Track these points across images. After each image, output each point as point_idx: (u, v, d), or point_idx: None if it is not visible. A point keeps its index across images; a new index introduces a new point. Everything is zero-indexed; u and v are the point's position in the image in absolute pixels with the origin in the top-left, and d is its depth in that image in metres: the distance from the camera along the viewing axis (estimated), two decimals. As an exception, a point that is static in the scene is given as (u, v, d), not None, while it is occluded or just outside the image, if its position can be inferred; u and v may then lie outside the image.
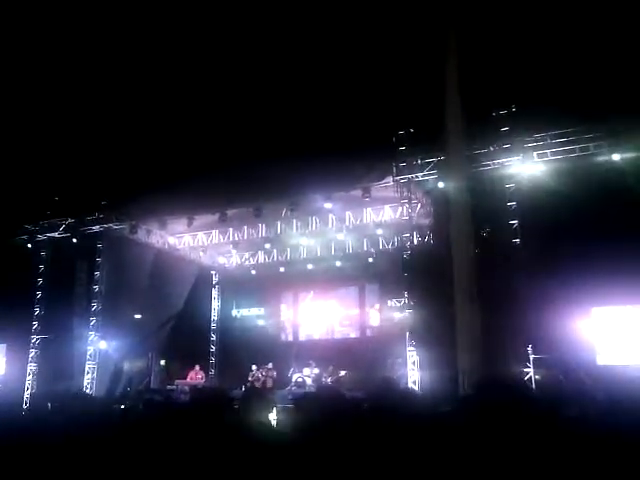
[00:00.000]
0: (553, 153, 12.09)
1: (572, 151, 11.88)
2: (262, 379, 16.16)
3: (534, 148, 12.22)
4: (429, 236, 13.40)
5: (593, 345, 12.73)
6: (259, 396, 3.22)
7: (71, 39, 16.00)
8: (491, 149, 12.40)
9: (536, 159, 12.24)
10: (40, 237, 16.73)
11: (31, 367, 16.34)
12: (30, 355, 16.42)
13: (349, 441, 2.32)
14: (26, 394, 16.00)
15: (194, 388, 13.83)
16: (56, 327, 16.17)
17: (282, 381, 16.48)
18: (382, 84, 15.33)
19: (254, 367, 16.58)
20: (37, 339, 16.50)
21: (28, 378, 16.23)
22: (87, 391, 14.48)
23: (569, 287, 11.79)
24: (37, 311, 16.68)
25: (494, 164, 12.40)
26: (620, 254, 10.73)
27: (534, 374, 11.40)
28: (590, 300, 12.68)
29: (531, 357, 11.41)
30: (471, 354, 10.24)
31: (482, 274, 10.89)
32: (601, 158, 11.64)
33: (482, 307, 10.68)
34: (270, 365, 16.65)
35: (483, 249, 11.26)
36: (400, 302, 14.03)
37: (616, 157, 11.47)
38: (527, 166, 12.28)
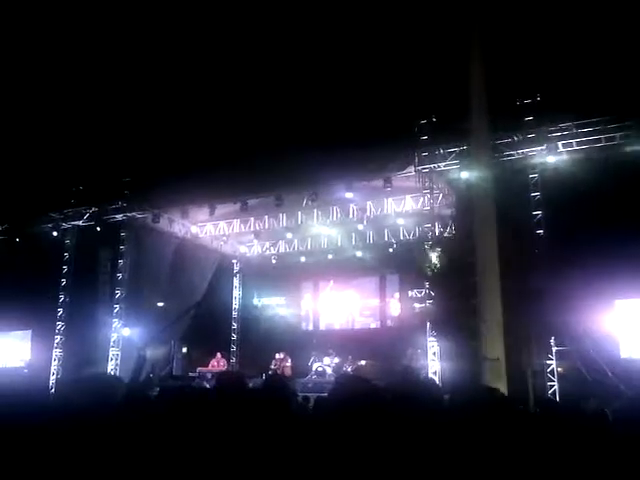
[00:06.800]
0: (578, 143, 11.88)
1: (598, 141, 11.66)
2: (282, 367, 16.28)
3: (559, 138, 12.02)
4: (451, 226, 13.30)
5: (617, 338, 12.56)
6: (283, 384, 3.24)
7: (97, 30, 16.13)
8: (515, 139, 12.23)
9: (561, 149, 12.05)
10: (65, 225, 16.96)
11: (56, 353, 16.65)
12: (55, 341, 16.73)
13: (372, 431, 2.33)
14: (52, 379, 16.32)
15: (219, 372, 13.96)
16: (81, 314, 16.43)
17: (302, 370, 16.56)
18: (404, 73, 15.21)
19: (277, 355, 16.70)
20: (62, 325, 16.79)
21: (53, 364, 16.54)
22: (112, 373, 14.69)
23: (593, 279, 11.62)
24: (62, 298, 16.95)
25: (518, 154, 12.24)
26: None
27: (556, 366, 11.31)
28: (614, 292, 12.50)
29: (554, 349, 11.31)
30: (493, 345, 10.17)
31: (504, 265, 10.79)
32: (628, 148, 11.41)
33: (504, 298, 10.59)
34: (282, 354, 16.68)
35: (506, 240, 11.14)
36: (421, 292, 13.98)
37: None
38: (551, 156, 12.10)
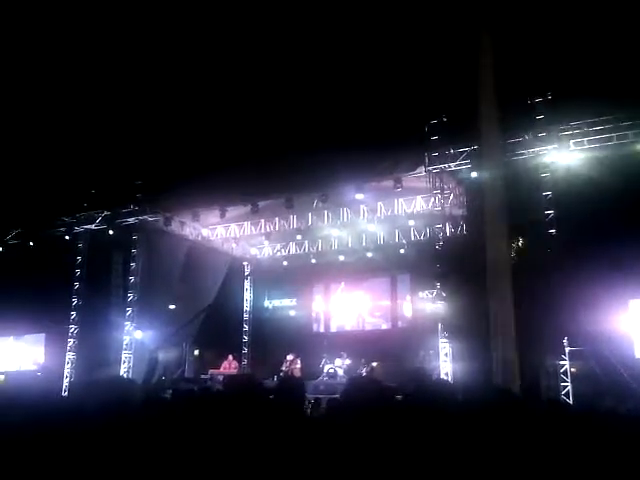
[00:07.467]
0: (590, 141, 11.79)
1: (609, 139, 11.57)
2: (292, 369, 16.25)
3: (570, 136, 11.93)
4: (462, 227, 13.25)
5: (631, 338, 12.46)
6: (294, 384, 3.24)
7: (112, 36, 16.25)
8: (526, 138, 12.16)
9: (572, 148, 11.96)
10: (77, 229, 17.08)
11: (69, 356, 16.76)
12: (68, 344, 16.84)
13: (385, 432, 2.33)
14: (65, 382, 16.43)
15: (228, 376, 13.97)
16: (93, 317, 16.54)
17: (314, 372, 16.53)
18: (414, 72, 15.18)
19: (288, 357, 16.68)
20: (75, 329, 16.91)
21: (67, 367, 16.65)
22: (125, 376, 14.76)
23: (606, 279, 11.54)
24: (75, 301, 17.06)
25: (529, 153, 12.16)
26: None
27: (570, 367, 11.23)
28: (628, 292, 12.40)
29: (567, 349, 11.23)
30: (505, 345, 10.12)
31: (516, 265, 10.74)
32: (640, 146, 11.33)
33: (516, 298, 10.53)
34: (292, 356, 16.64)
35: (517, 239, 11.09)
36: (432, 293, 13.93)
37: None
38: (563, 155, 12.02)
